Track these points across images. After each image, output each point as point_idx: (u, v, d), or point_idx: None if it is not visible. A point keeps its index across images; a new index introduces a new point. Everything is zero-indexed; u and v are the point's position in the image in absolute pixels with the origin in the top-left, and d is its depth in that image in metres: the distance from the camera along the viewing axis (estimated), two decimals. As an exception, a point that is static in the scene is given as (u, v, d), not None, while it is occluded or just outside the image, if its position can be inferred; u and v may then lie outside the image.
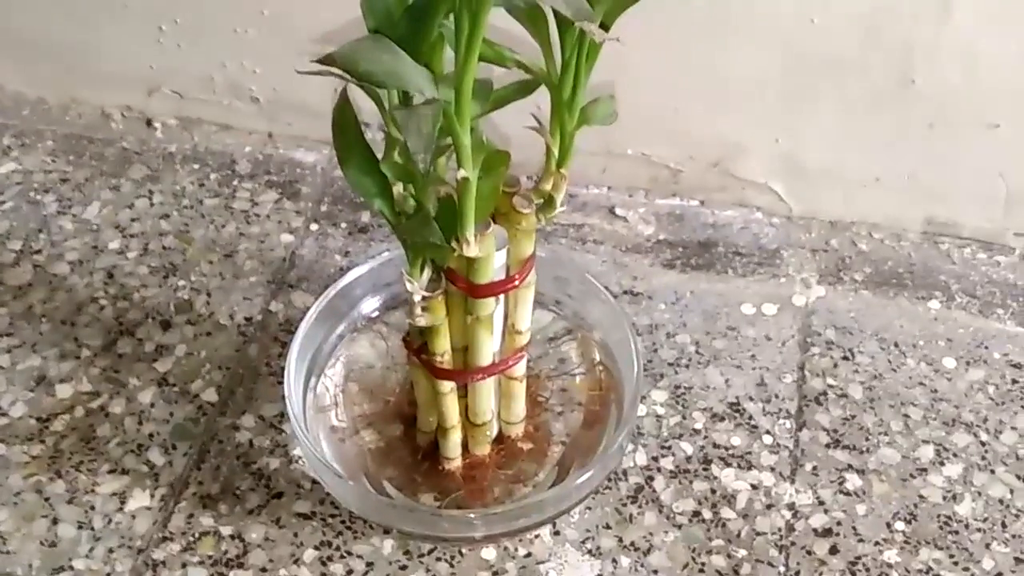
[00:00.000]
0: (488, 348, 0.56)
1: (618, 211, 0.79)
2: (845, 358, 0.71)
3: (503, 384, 0.60)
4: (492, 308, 0.54)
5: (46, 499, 0.64)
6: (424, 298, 0.52)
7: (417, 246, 0.49)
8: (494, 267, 0.52)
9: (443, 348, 0.55)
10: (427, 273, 0.52)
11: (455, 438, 0.60)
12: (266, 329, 0.72)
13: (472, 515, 0.57)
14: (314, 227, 0.78)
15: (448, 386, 0.57)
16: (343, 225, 0.78)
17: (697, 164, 0.77)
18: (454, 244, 0.49)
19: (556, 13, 0.45)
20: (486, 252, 0.50)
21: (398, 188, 0.49)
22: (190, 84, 0.81)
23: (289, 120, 0.82)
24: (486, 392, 0.58)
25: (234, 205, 0.79)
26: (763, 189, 0.77)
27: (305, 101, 0.80)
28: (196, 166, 0.82)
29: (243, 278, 0.75)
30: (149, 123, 0.84)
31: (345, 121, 0.47)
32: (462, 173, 0.46)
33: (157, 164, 0.82)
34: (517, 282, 0.53)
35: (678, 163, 0.77)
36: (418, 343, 0.57)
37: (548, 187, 0.51)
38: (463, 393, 0.59)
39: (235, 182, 0.81)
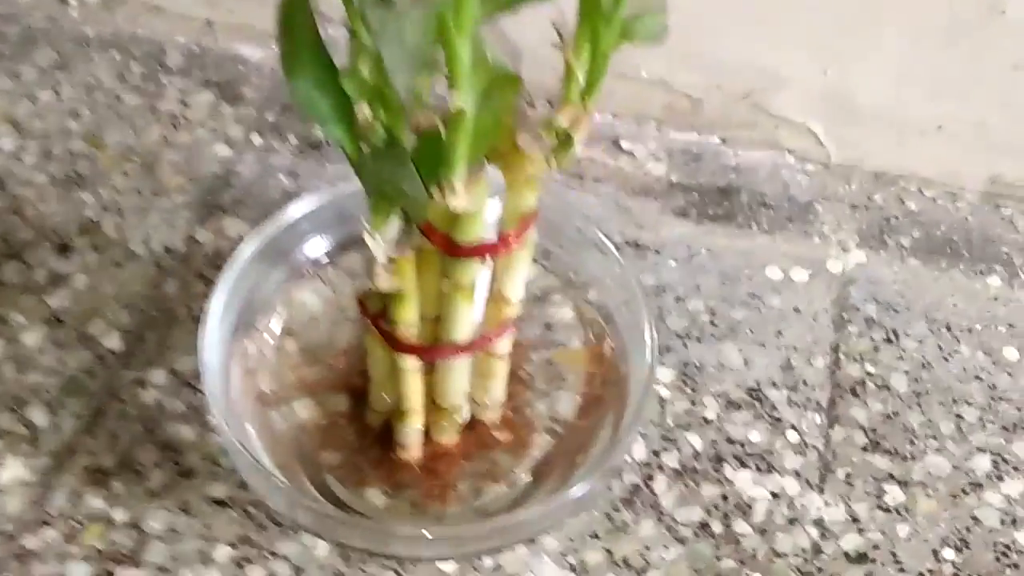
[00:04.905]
0: (467, 322, 0.43)
1: (624, 144, 0.66)
2: (888, 340, 0.59)
3: (480, 360, 0.47)
4: (476, 273, 0.41)
5: None
6: (390, 258, 0.39)
7: (385, 192, 0.36)
8: (484, 222, 0.39)
9: (409, 318, 0.43)
10: (395, 225, 0.39)
11: (415, 424, 0.48)
12: (188, 262, 0.59)
13: (431, 535, 0.44)
14: (256, 139, 0.65)
15: (412, 363, 0.45)
16: (292, 140, 0.65)
17: (723, 94, 0.64)
18: (435, 192, 0.36)
19: None
20: (476, 204, 0.38)
21: (363, 111, 0.36)
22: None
23: (231, 6, 0.68)
24: (459, 372, 0.46)
25: (160, 106, 0.65)
26: (799, 129, 0.65)
27: (252, -16, 0.66)
28: (116, 55, 0.68)
29: (165, 196, 0.61)
30: (62, -2, 0.70)
31: (294, 13, 0.34)
32: (455, 100, 0.32)
33: (68, 49, 0.68)
34: (512, 243, 0.41)
35: (700, 91, 0.64)
36: (377, 307, 0.44)
37: (565, 122, 0.38)
38: (429, 370, 0.46)
39: (163, 78, 0.67)
